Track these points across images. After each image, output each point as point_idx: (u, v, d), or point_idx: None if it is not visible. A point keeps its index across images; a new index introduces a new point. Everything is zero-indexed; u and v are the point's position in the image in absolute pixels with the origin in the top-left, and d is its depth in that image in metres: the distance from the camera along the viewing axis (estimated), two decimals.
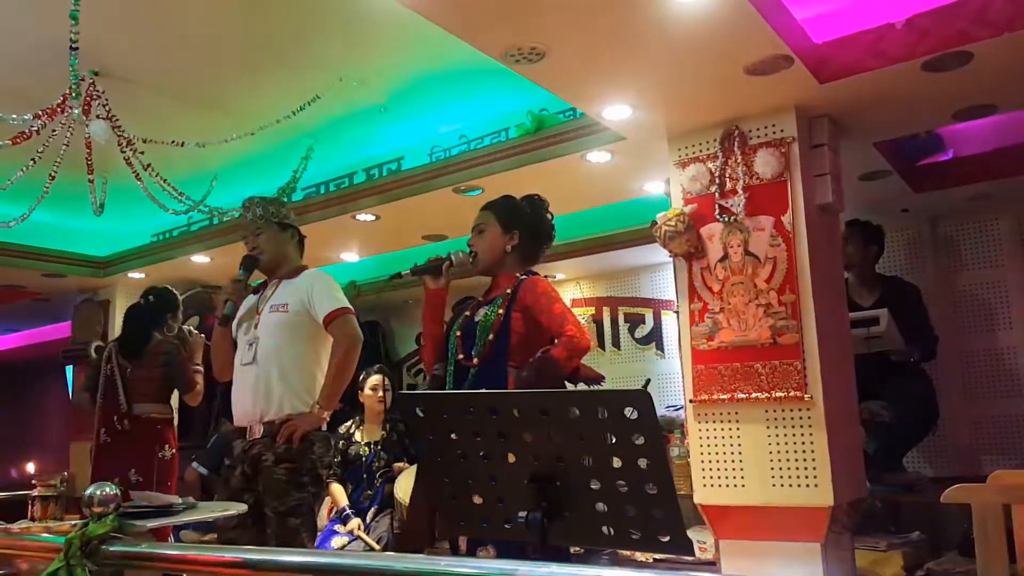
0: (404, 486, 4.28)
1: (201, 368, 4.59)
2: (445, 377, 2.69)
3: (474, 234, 2.80)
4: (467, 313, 2.76)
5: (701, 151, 3.20)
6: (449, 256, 2.73)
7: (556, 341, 2.57)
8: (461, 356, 2.63)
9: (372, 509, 4.38)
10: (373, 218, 4.68)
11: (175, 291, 4.79)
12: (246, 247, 3.19)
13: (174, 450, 4.55)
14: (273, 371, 2.97)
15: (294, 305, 3.02)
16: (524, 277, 2.70)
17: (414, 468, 4.27)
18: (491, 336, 2.55)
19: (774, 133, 3.05)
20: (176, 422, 5.12)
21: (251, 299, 3.20)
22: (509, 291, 2.65)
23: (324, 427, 3.07)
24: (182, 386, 4.55)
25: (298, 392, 2.98)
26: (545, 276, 2.72)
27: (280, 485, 2.88)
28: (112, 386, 4.50)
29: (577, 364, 2.58)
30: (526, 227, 2.78)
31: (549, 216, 2.86)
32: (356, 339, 3.03)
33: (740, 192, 3.06)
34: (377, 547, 4.14)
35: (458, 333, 2.68)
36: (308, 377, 3.02)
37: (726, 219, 3.08)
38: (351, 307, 3.07)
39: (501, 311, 2.58)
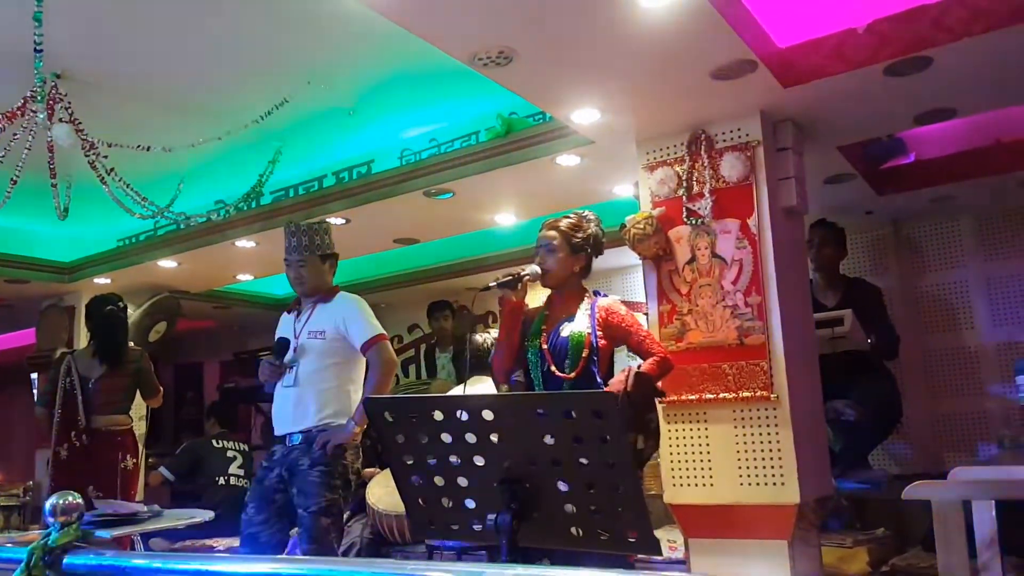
0: (376, 492, 4.26)
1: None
2: (527, 385, 2.95)
3: (542, 252, 2.97)
4: (544, 327, 2.96)
5: (669, 155, 3.23)
6: (523, 272, 2.95)
7: (646, 359, 2.81)
8: (553, 368, 2.85)
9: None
10: (343, 221, 4.66)
11: None
12: (288, 270, 3.36)
13: (135, 460, 4.49)
14: (311, 391, 3.23)
15: (330, 332, 3.26)
16: (596, 297, 2.96)
17: (385, 474, 4.26)
18: (585, 352, 2.79)
19: (739, 137, 3.09)
20: (144, 431, 5.07)
21: (288, 319, 3.40)
22: (587, 309, 2.89)
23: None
24: (150, 391, 4.53)
25: (334, 408, 3.24)
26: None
27: (313, 486, 3.11)
28: (72, 400, 4.38)
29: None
30: (592, 250, 3.01)
31: (603, 233, 3.06)
32: (392, 365, 3.30)
33: (707, 195, 3.10)
34: None
35: (544, 346, 2.91)
36: (344, 395, 3.27)
37: (693, 222, 3.11)
38: (385, 332, 3.31)
39: (587, 329, 2.82)
